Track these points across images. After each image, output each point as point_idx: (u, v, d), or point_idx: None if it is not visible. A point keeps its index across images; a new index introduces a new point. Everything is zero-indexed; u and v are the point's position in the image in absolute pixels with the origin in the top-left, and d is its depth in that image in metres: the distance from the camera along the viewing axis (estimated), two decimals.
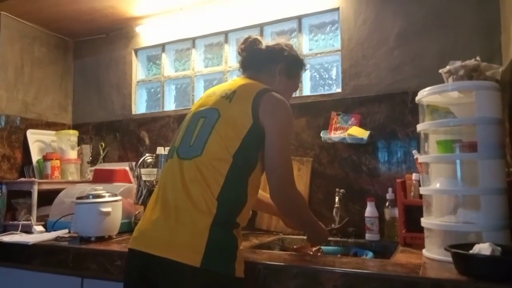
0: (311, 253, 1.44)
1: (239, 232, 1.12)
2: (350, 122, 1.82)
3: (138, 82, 2.56)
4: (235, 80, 1.34)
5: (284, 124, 1.19)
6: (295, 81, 1.42)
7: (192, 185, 1.09)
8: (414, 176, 1.55)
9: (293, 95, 1.50)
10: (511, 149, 1.39)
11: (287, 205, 1.23)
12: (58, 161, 2.28)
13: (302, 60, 1.42)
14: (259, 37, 1.39)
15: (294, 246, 1.58)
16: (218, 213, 1.06)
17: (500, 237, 1.13)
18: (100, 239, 1.59)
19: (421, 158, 1.35)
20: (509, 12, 1.48)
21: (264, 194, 1.52)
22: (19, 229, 1.84)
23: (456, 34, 1.71)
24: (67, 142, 2.39)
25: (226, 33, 2.29)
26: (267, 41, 1.41)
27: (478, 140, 1.18)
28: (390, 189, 1.65)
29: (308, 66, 1.59)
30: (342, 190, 1.75)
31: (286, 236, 1.77)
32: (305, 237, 1.63)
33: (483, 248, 1.00)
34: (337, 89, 1.99)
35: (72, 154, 2.40)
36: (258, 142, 1.15)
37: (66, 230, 1.73)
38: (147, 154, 1.91)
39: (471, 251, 1.01)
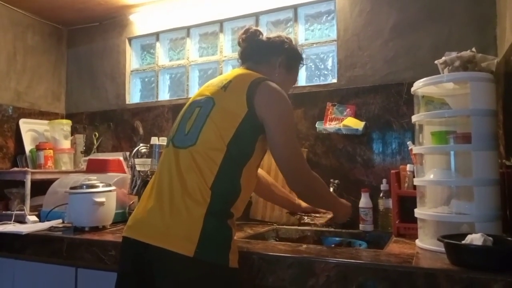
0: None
1: (233, 222, 1.12)
2: (345, 113, 1.82)
3: (132, 71, 2.54)
4: (234, 70, 1.34)
5: (283, 113, 1.18)
6: (294, 75, 1.42)
7: (187, 174, 1.09)
8: (409, 167, 1.56)
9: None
10: (504, 141, 1.40)
11: (307, 193, 1.25)
12: (51, 151, 2.26)
13: (301, 54, 1.42)
14: (260, 29, 1.39)
15: (295, 237, 1.60)
16: (212, 203, 1.06)
17: (492, 228, 1.14)
18: (94, 229, 1.59)
19: (415, 149, 1.36)
20: (504, 4, 1.47)
21: (277, 186, 1.56)
22: (13, 219, 1.83)
23: (451, 26, 1.71)
24: (60, 131, 2.37)
25: (221, 22, 2.27)
26: (267, 33, 1.41)
27: (472, 132, 1.18)
28: (384, 180, 1.66)
29: (307, 61, 1.57)
30: (336, 181, 1.75)
31: (280, 226, 1.78)
32: (305, 228, 1.67)
33: (475, 239, 1.01)
34: (332, 79, 1.99)
35: (65, 144, 2.38)
36: (253, 132, 1.14)
37: (60, 220, 1.73)
38: (141, 144, 1.89)
39: (463, 242, 1.02)
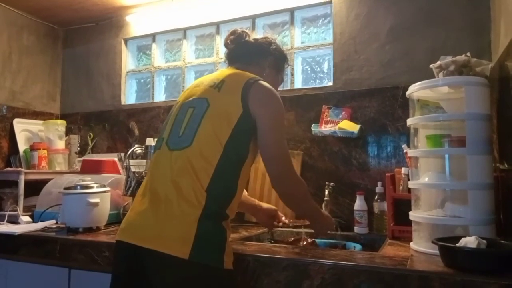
0: (305, 243, 1.45)
1: (228, 224, 1.11)
2: (341, 116, 1.83)
3: (128, 72, 2.53)
4: (223, 70, 1.33)
5: (275, 112, 1.18)
6: (282, 75, 1.45)
7: (182, 176, 1.09)
8: (403, 170, 1.56)
9: (284, 88, 1.51)
10: (498, 145, 1.41)
11: (289, 194, 1.22)
12: (45, 151, 2.25)
13: (286, 55, 1.45)
14: (247, 30, 1.40)
15: (290, 240, 1.59)
16: (207, 205, 1.05)
17: (486, 231, 1.15)
18: (88, 230, 1.58)
19: (410, 153, 1.37)
20: (498, 10, 1.49)
21: (245, 195, 1.53)
22: (6, 219, 1.81)
23: (446, 31, 1.72)
24: (54, 132, 2.36)
25: (217, 24, 2.27)
26: (254, 35, 1.42)
27: (467, 135, 1.19)
28: (379, 183, 1.67)
29: (291, 62, 1.55)
30: (332, 184, 1.75)
31: (275, 228, 1.77)
32: (298, 230, 1.67)
33: (469, 242, 1.01)
34: (328, 82, 2.00)
35: (60, 144, 2.37)
36: (248, 132, 1.14)
37: (54, 221, 1.72)
38: (136, 145, 1.89)
39: (457, 244, 1.03)
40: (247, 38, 1.37)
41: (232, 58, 1.37)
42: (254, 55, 1.35)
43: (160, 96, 2.46)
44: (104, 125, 2.48)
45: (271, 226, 1.58)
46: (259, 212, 1.54)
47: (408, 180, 1.44)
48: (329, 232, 1.45)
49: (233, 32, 1.38)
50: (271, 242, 1.64)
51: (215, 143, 1.10)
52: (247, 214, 1.87)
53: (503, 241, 1.08)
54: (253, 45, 1.37)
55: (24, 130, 2.38)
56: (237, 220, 1.67)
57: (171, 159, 1.13)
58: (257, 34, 1.45)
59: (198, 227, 1.03)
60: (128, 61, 2.54)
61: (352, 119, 1.82)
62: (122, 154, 2.01)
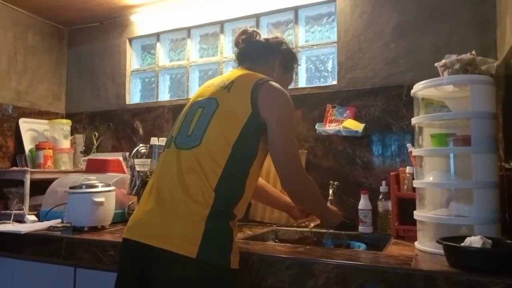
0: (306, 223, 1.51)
1: (235, 223, 1.12)
2: (345, 115, 1.82)
3: (132, 71, 2.54)
4: (233, 71, 1.34)
5: (285, 113, 1.19)
6: (291, 75, 1.46)
7: (189, 175, 1.09)
8: (408, 169, 1.56)
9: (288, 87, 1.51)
10: (504, 144, 1.40)
11: (299, 193, 1.25)
12: (51, 151, 2.26)
13: (296, 54, 1.46)
14: (257, 30, 1.41)
15: (294, 239, 1.61)
16: (215, 205, 1.05)
17: (491, 230, 1.14)
18: (93, 229, 1.59)
19: (415, 152, 1.36)
20: (504, 7, 1.48)
21: (269, 186, 1.56)
22: (11, 219, 1.82)
23: (451, 28, 1.71)
24: (60, 131, 2.37)
25: (222, 23, 2.27)
26: (264, 34, 1.44)
27: (472, 134, 1.18)
28: (384, 182, 1.66)
29: (300, 61, 1.54)
30: (336, 183, 1.75)
31: (279, 227, 1.78)
32: (303, 229, 1.69)
33: (474, 241, 1.01)
34: (332, 81, 1.99)
35: (65, 144, 2.38)
36: (257, 132, 1.14)
37: (59, 220, 1.72)
38: (141, 145, 1.89)
39: (462, 244, 1.02)
40: (257, 38, 1.38)
41: (242, 58, 1.38)
42: (264, 54, 1.36)
43: (164, 95, 2.47)
44: (109, 125, 2.49)
45: (301, 217, 1.60)
46: (293, 209, 1.57)
47: (413, 179, 1.44)
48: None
49: (244, 32, 1.38)
50: (276, 241, 1.64)
51: (223, 143, 1.10)
52: (251, 213, 1.87)
53: (508, 241, 1.07)
54: (264, 44, 1.37)
55: (30, 129, 2.40)
56: (241, 219, 1.66)
57: (179, 158, 1.13)
58: (268, 34, 1.45)
59: (206, 226, 1.03)
60: (132, 60, 2.55)
61: (357, 118, 1.81)
62: (127, 153, 2.01)
